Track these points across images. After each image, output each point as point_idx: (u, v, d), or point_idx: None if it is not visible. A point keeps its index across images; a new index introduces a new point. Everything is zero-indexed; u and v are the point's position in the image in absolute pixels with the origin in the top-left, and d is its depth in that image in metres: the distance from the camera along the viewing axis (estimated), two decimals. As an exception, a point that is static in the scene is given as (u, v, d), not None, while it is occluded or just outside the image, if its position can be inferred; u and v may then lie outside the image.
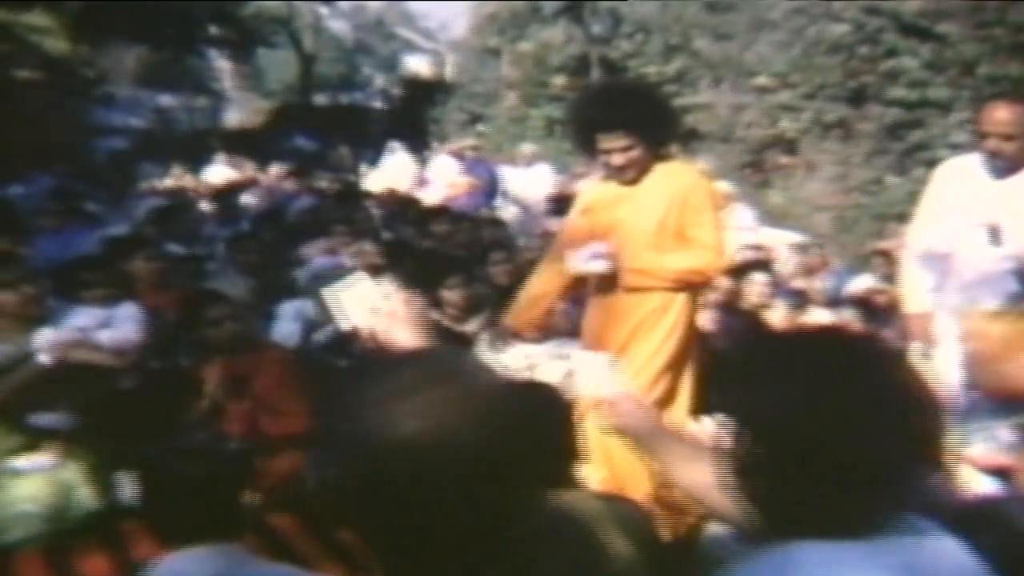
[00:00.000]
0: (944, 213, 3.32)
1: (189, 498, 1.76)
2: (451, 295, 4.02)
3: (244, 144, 13.30)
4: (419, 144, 11.60)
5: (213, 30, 14.87)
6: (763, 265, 5.21)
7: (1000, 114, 3.16)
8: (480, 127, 12.82)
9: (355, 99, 20.04)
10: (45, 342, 2.67)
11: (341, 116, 17.25)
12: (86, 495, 2.55)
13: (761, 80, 8.89)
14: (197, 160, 10.70)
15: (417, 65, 20.11)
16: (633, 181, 3.11)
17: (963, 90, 7.58)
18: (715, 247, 3.07)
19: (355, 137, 14.83)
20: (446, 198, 7.95)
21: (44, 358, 2.64)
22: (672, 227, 3.06)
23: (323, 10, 19.78)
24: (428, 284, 3.89)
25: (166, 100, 16.33)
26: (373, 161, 11.21)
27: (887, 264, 5.55)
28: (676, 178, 3.11)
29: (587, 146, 3.11)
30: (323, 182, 9.77)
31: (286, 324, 4.09)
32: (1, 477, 2.53)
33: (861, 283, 5.66)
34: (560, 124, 12.97)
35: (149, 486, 1.83)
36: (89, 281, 2.93)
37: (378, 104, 18.64)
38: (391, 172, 9.63)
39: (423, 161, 10.04)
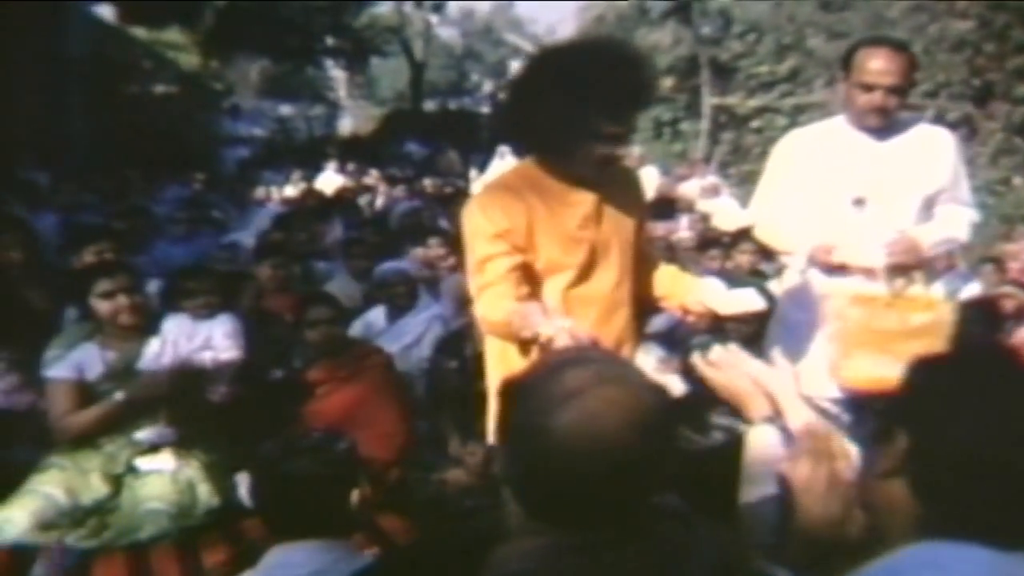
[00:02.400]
0: (814, 187, 2.80)
1: (300, 495, 1.84)
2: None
3: (358, 150, 13.70)
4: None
5: (330, 41, 15.39)
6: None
7: (886, 63, 2.67)
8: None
9: (464, 105, 20.32)
10: (149, 365, 2.77)
11: (450, 121, 17.53)
12: (207, 493, 2.68)
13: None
14: (315, 167, 11.09)
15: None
16: (606, 185, 2.33)
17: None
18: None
19: (464, 142, 15.05)
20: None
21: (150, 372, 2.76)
22: (639, 239, 2.45)
23: (433, 18, 20.16)
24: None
25: (286, 110, 16.99)
26: (482, 166, 11.36)
27: (998, 271, 5.29)
28: (636, 182, 2.55)
29: (620, 125, 2.19)
30: (431, 187, 9.98)
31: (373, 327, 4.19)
32: (127, 479, 2.68)
33: (971, 289, 5.39)
34: (668, 126, 12.85)
35: (264, 483, 1.93)
36: (192, 290, 3.02)
37: (487, 109, 18.84)
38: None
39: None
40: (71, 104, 10.04)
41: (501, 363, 2.34)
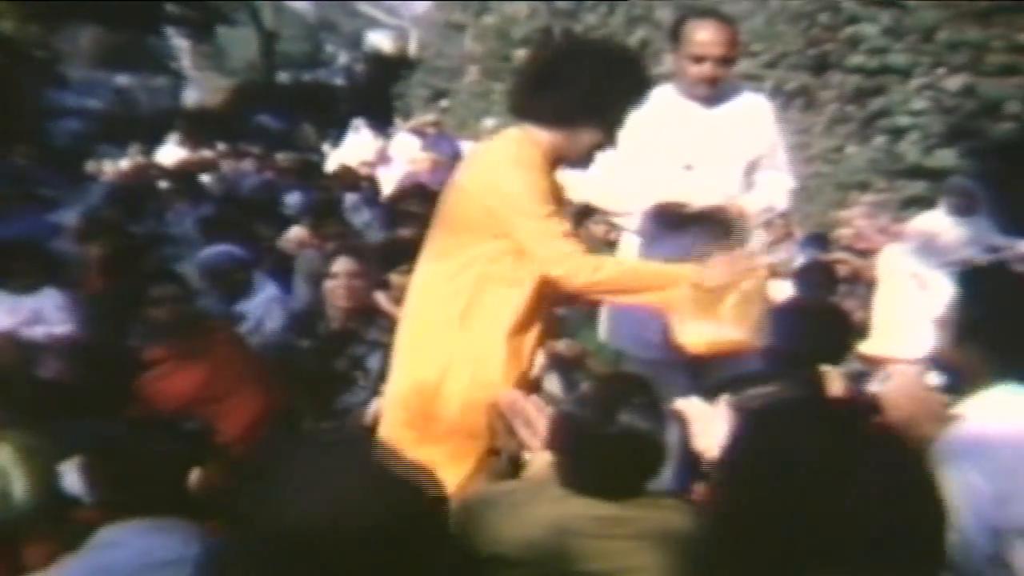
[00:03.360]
0: (647, 153, 2.87)
1: (140, 473, 1.77)
2: (399, 280, 3.93)
3: (206, 123, 13.11)
4: (383, 121, 11.49)
5: (171, 8, 14.60)
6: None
7: (713, 35, 2.76)
8: (444, 102, 12.72)
9: (319, 77, 19.79)
10: None
11: (304, 94, 17.05)
12: (26, 481, 2.49)
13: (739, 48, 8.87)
14: (157, 141, 10.52)
15: (380, 41, 19.89)
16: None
17: (923, 56, 7.62)
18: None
19: (319, 115, 14.66)
20: (408, 175, 7.90)
21: None
22: None
23: (284, -14, 19.49)
24: (383, 267, 3.80)
25: (124, 80, 16.04)
26: (337, 139, 11.09)
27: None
28: None
29: (615, 124, 2.32)
30: (284, 161, 9.66)
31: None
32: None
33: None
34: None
35: (105, 463, 1.83)
36: (13, 269, 2.83)
37: (341, 82, 18.43)
38: (354, 150, 9.56)
39: (387, 138, 9.96)
40: None
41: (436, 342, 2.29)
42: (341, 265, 3.46)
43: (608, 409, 1.78)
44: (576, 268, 2.23)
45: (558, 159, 2.36)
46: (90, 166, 8.73)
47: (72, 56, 14.24)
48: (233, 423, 3.01)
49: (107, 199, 5.78)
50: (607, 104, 2.30)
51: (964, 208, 5.77)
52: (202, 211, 5.84)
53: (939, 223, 5.77)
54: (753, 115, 2.97)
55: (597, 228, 4.91)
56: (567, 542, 1.75)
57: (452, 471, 2.15)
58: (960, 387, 1.79)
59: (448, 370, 2.29)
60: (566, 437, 1.84)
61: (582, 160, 2.38)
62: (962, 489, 1.51)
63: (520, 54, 11.48)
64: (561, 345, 3.47)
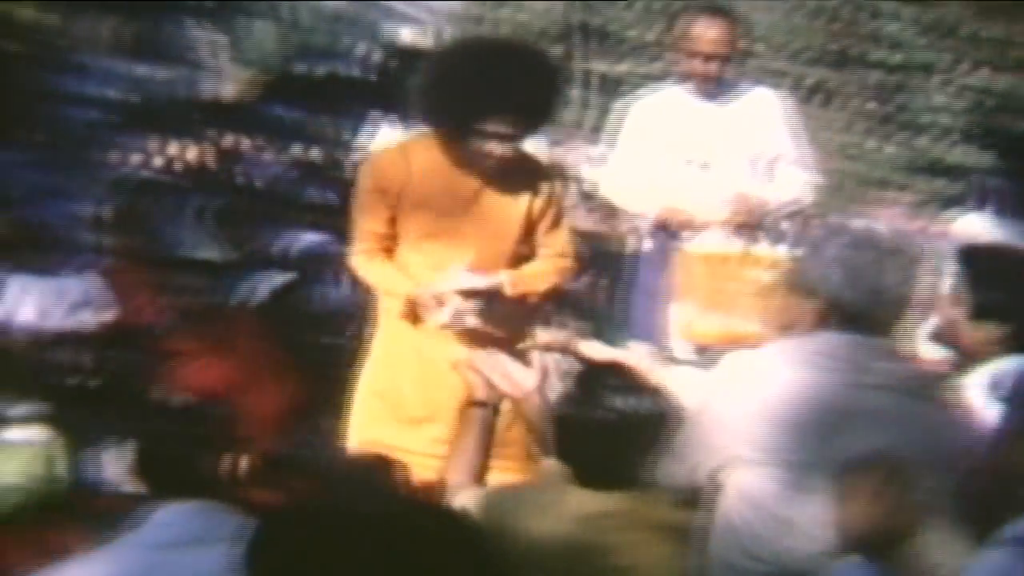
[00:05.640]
0: (656, 151, 2.95)
1: (179, 459, 1.82)
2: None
3: (222, 114, 13.11)
4: (404, 115, 11.48)
5: (190, -2, 14.63)
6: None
7: (711, 31, 2.81)
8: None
9: (337, 69, 19.79)
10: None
11: (322, 86, 17.04)
12: (66, 468, 2.54)
13: (742, 45, 8.84)
14: (175, 131, 10.54)
15: (399, 33, 19.87)
16: (498, 176, 2.47)
17: (944, 52, 7.56)
18: (570, 254, 2.62)
19: (336, 107, 14.65)
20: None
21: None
22: (527, 233, 2.54)
23: (302, -22, 19.53)
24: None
25: (142, 71, 16.04)
26: (354, 131, 11.08)
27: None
28: (536, 176, 2.57)
29: (459, 122, 2.36)
30: (303, 154, 9.67)
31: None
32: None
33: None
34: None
35: (140, 449, 1.86)
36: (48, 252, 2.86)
37: (359, 73, 18.43)
38: (373, 142, 9.55)
39: (406, 131, 9.96)
40: None
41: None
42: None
43: (586, 399, 1.87)
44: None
45: (456, 160, 2.42)
46: (112, 157, 8.76)
47: (91, 44, 14.28)
48: (256, 415, 3.03)
49: (126, 190, 5.81)
50: (472, 116, 2.34)
51: (993, 205, 5.73)
52: (217, 202, 5.86)
53: (980, 224, 5.73)
54: (761, 110, 2.97)
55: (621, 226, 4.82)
56: (591, 538, 1.77)
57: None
58: (963, 362, 1.88)
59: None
60: (560, 436, 1.90)
61: (481, 163, 2.41)
62: None
63: (537, 47, 11.48)
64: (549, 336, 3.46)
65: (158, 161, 8.55)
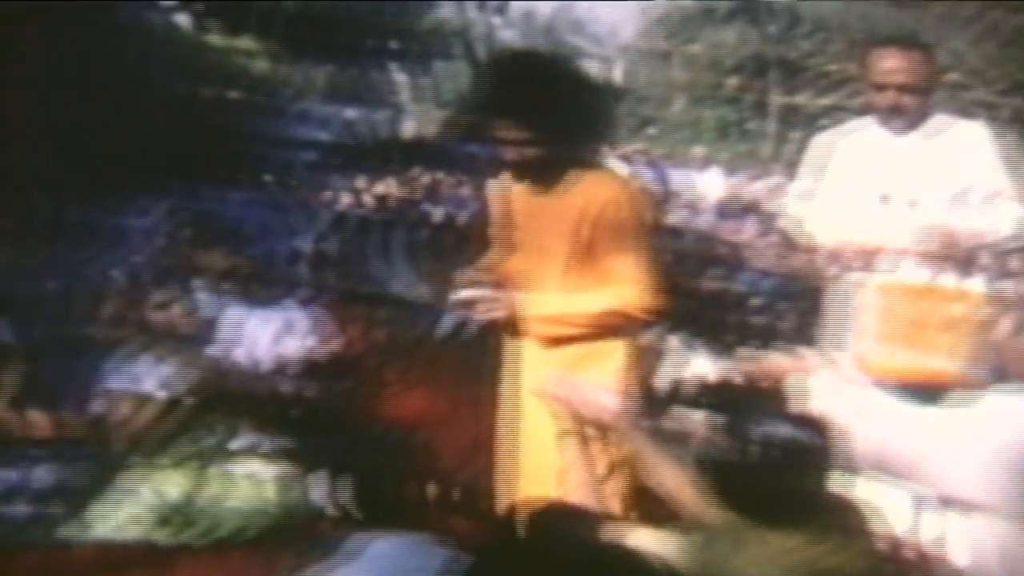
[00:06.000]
0: (850, 187, 2.84)
1: (385, 489, 1.90)
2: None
3: (421, 153, 13.79)
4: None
5: (394, 44, 15.51)
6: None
7: (894, 62, 2.69)
8: (651, 130, 12.74)
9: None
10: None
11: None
12: (285, 493, 2.73)
13: (954, 77, 8.36)
14: (379, 170, 11.20)
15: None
16: (542, 188, 2.41)
17: None
18: (637, 280, 2.39)
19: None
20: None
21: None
22: (582, 251, 2.40)
23: (496, 20, 20.19)
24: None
25: (351, 113, 17.14)
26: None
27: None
28: (593, 188, 2.42)
29: (482, 129, 2.42)
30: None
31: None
32: (213, 478, 2.75)
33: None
34: (734, 126, 12.70)
35: (360, 478, 1.96)
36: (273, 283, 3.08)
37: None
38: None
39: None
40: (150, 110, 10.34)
41: None
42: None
43: (747, 430, 1.70)
44: None
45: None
46: (326, 195, 9.42)
47: (309, 92, 15.47)
48: (455, 446, 3.15)
49: (331, 226, 6.21)
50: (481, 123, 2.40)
51: None
52: (418, 237, 6.16)
53: None
54: (962, 144, 2.84)
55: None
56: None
57: None
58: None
59: None
60: (719, 477, 1.75)
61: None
62: None
63: (732, 82, 11.35)
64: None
65: (367, 199, 9.14)
